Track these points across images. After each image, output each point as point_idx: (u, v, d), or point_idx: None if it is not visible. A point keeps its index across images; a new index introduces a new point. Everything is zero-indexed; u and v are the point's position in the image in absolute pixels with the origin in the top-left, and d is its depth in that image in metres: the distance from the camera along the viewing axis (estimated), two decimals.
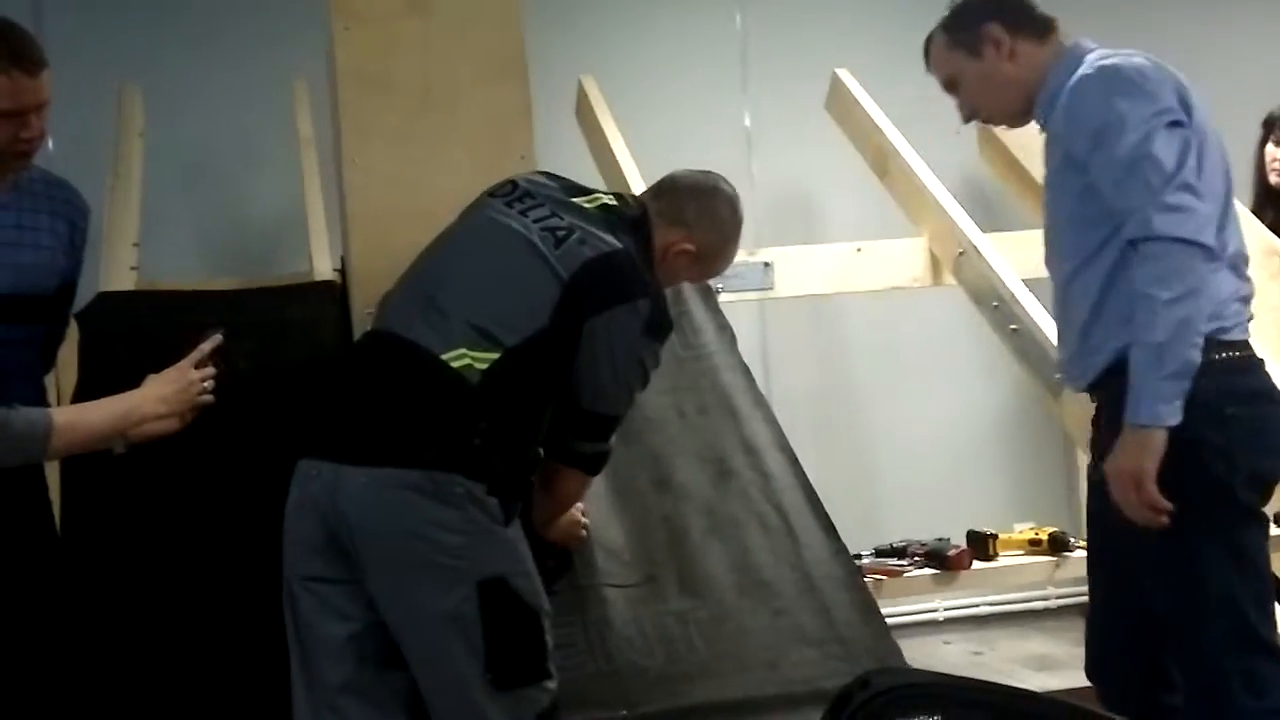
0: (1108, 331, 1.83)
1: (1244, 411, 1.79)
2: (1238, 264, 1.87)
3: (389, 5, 2.25)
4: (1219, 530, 1.79)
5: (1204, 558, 1.79)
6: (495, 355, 1.68)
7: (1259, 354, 1.89)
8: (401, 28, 2.24)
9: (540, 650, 1.70)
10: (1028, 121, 2.00)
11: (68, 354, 2.37)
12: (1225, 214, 1.84)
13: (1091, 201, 1.81)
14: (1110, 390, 1.86)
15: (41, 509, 2.17)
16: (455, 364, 1.67)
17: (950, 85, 2.00)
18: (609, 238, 1.80)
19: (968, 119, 2.06)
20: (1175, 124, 1.76)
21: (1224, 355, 1.78)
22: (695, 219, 1.93)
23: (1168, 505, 1.73)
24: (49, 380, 2.37)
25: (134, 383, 2.27)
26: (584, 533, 2.07)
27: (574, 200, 1.87)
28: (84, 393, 2.28)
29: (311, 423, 1.77)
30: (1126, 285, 1.77)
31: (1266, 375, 1.88)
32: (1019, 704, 0.96)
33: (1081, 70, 1.84)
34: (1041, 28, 1.92)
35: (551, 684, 1.71)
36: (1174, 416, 1.71)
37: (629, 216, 1.88)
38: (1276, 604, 1.88)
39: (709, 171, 2.01)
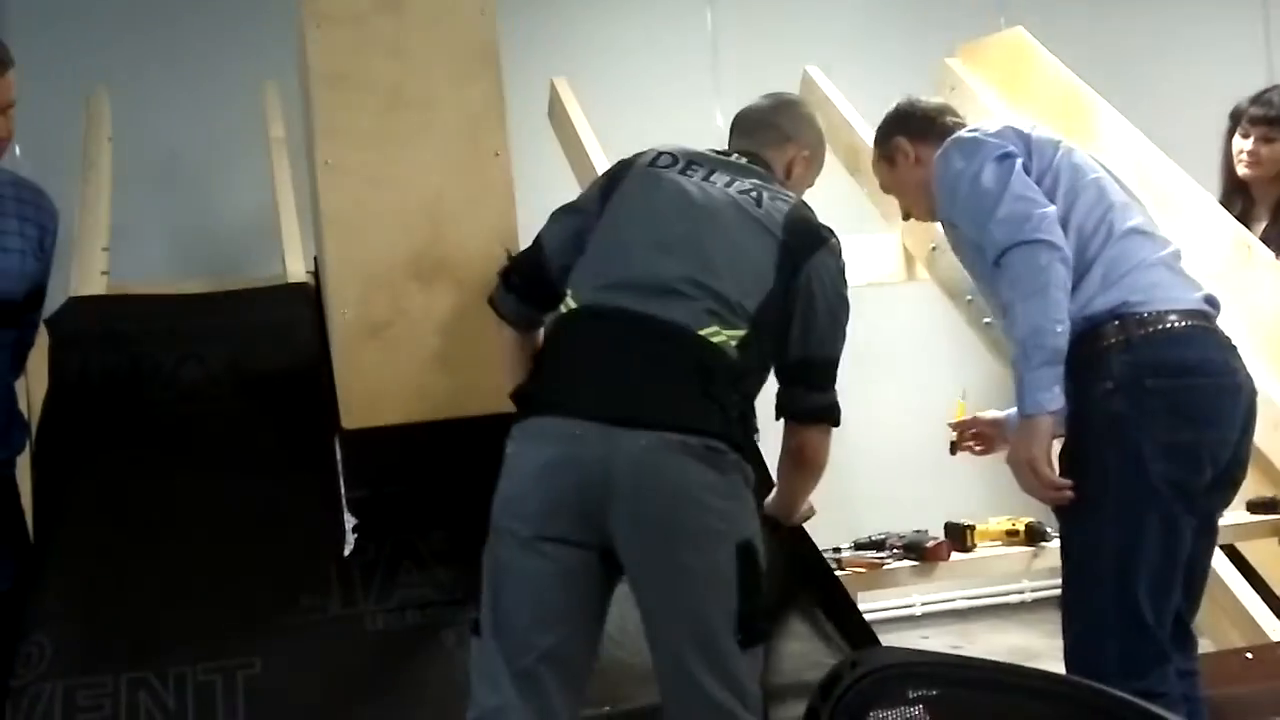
0: None
1: (1164, 384, 1.85)
2: (1145, 230, 1.96)
3: (360, 4, 2.23)
4: (1129, 505, 1.84)
5: (1108, 532, 1.84)
6: (744, 330, 1.74)
7: (1209, 326, 1.91)
8: (373, 27, 2.22)
9: (766, 612, 1.76)
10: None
11: (37, 360, 2.34)
12: (1103, 194, 1.96)
13: (979, 252, 1.97)
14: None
15: (13, 514, 2.15)
16: (715, 340, 1.72)
17: (885, 190, 2.31)
18: (781, 190, 1.90)
19: (905, 218, 2.38)
20: (1003, 156, 1.95)
21: (1147, 331, 1.85)
22: (792, 129, 2.03)
23: (1066, 482, 1.84)
24: (20, 386, 2.34)
25: (104, 388, 2.25)
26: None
27: (729, 160, 1.93)
28: (55, 398, 2.26)
29: (539, 384, 1.76)
30: None
31: (1205, 347, 1.90)
32: (1009, 678, 0.97)
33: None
34: (945, 134, 2.11)
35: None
36: (1054, 402, 1.81)
37: (761, 165, 1.95)
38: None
39: (760, 98, 2.08)
